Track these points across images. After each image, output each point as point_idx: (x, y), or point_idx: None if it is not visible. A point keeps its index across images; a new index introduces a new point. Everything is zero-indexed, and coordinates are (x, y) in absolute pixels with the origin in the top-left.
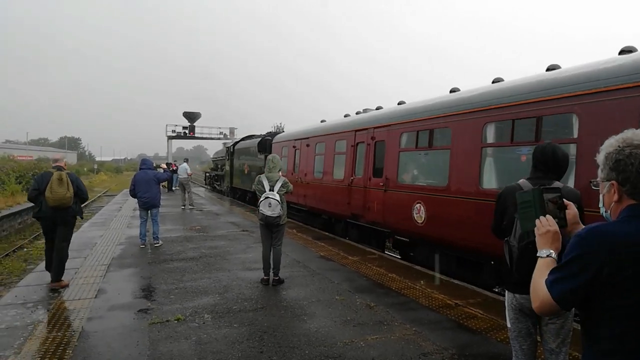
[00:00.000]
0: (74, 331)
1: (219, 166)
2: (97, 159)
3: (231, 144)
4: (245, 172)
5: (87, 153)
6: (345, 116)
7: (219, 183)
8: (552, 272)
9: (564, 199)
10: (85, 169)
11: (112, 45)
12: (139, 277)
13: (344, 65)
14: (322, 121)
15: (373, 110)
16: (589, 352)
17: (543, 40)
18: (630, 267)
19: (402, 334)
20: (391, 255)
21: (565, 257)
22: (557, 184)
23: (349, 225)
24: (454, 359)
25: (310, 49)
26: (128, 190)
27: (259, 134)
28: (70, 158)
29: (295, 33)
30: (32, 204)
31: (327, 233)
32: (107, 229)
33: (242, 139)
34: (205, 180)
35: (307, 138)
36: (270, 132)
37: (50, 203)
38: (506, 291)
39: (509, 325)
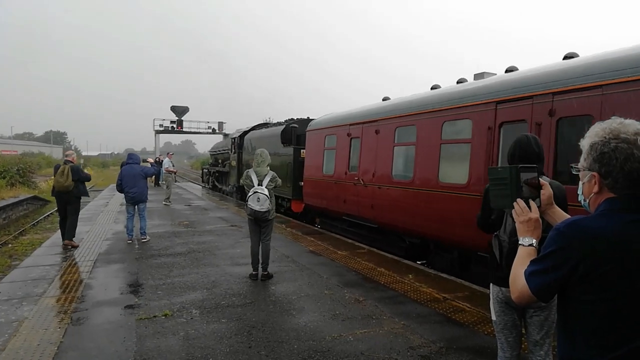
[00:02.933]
0: (59, 327)
1: (220, 161)
2: (84, 153)
3: (238, 134)
4: None
5: (73, 147)
6: (433, 88)
7: (222, 181)
8: (531, 263)
9: (540, 179)
10: None
11: (102, 44)
12: (126, 273)
13: (341, 67)
14: (384, 99)
15: (494, 74)
16: (565, 344)
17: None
18: (609, 261)
19: (390, 328)
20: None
21: (544, 249)
22: (545, 178)
23: (473, 259)
24: (442, 352)
25: (305, 52)
26: (115, 185)
27: (274, 122)
28: (55, 153)
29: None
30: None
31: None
32: (94, 224)
33: (253, 128)
34: (202, 177)
35: (376, 121)
36: (291, 118)
37: (56, 188)
38: (491, 284)
39: (493, 318)
